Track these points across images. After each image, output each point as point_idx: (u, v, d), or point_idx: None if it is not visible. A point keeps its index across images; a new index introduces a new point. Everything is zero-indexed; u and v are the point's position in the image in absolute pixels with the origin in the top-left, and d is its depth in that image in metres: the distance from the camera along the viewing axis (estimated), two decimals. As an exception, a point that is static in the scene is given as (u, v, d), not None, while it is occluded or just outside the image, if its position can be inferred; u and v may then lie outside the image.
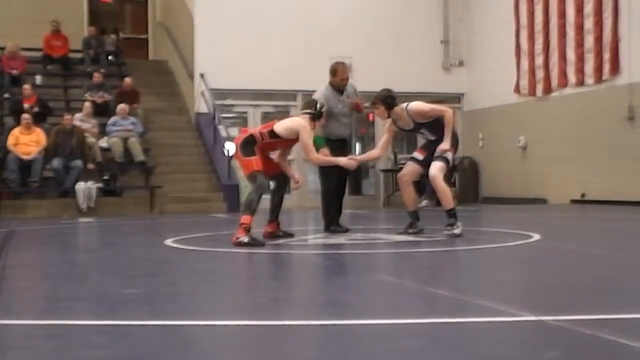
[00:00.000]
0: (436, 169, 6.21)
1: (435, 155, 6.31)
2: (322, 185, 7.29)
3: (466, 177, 14.76)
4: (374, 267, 4.74)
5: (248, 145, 5.96)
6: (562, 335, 2.55)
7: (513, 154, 14.02)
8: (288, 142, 6.18)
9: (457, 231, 6.21)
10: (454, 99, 15.44)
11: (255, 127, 14.55)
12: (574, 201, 12.51)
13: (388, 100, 6.68)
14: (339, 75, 7.37)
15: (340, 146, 7.07)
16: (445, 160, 6.29)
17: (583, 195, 12.36)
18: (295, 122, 6.14)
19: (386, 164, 14.86)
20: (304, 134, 6.03)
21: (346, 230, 6.93)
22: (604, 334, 2.47)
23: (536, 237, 6.03)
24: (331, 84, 7.31)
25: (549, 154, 13.15)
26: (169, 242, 6.15)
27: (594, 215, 9.91)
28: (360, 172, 15.50)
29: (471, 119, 15.21)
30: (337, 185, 7.22)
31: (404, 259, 5.15)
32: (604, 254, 5.10)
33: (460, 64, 15.21)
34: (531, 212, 10.71)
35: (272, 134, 6.02)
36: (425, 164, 6.39)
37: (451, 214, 6.28)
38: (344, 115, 7.22)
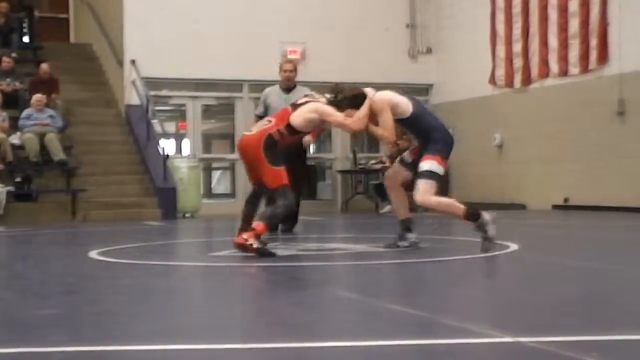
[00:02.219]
0: (419, 193, 5.71)
1: (419, 171, 5.80)
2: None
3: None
4: (329, 282, 4.75)
5: (272, 148, 5.67)
6: (543, 359, 2.58)
7: (487, 153, 14.22)
8: (308, 134, 6.01)
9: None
10: (422, 90, 15.59)
11: (195, 121, 14.58)
12: (555, 207, 12.74)
13: (356, 101, 5.93)
14: (280, 70, 7.96)
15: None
16: (429, 175, 5.72)
17: (566, 200, 12.60)
18: (313, 108, 5.82)
19: (344, 164, 14.92)
20: (330, 117, 5.76)
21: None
22: (592, 358, 2.51)
23: (513, 247, 6.12)
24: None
25: (528, 154, 13.37)
26: (93, 254, 6.06)
27: (578, 222, 10.11)
28: (315, 174, 15.55)
29: (440, 113, 15.26)
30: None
31: (364, 272, 5.17)
32: (589, 267, 5.20)
33: (429, 51, 15.37)
34: (508, 219, 10.86)
35: (291, 129, 5.75)
36: (412, 167, 5.96)
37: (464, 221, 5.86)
38: None
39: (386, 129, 5.77)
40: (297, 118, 5.76)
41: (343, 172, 14.82)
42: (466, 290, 4.34)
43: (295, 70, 8.40)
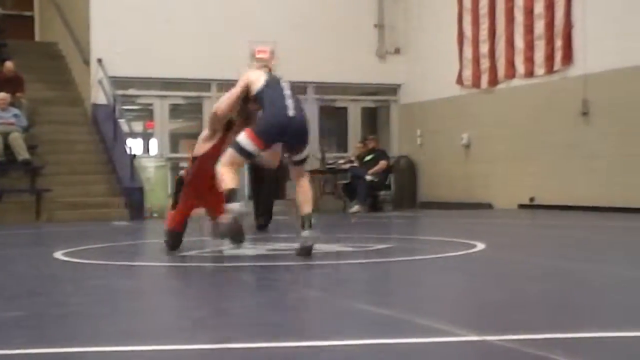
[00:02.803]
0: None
1: None
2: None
3: (402, 178, 14.97)
4: (297, 281, 4.74)
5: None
6: (509, 357, 2.60)
7: (455, 153, 14.32)
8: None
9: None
10: (390, 90, 15.66)
11: (163, 120, 14.48)
12: (522, 206, 12.86)
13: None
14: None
15: None
16: (233, 144, 5.57)
17: (532, 199, 12.73)
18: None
19: (313, 164, 14.91)
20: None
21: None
22: (556, 355, 2.53)
23: (480, 246, 6.17)
24: None
25: (494, 153, 13.48)
26: (58, 254, 6.00)
27: (544, 221, 10.21)
28: (285, 173, 15.51)
29: (408, 114, 15.45)
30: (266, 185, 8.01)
31: (332, 272, 5.17)
32: (554, 265, 5.25)
33: (397, 51, 15.42)
34: (475, 219, 10.95)
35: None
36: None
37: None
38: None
39: (220, 101, 5.93)
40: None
41: (311, 171, 14.78)
42: (433, 289, 4.37)
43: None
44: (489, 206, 13.48)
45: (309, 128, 5.83)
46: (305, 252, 5.57)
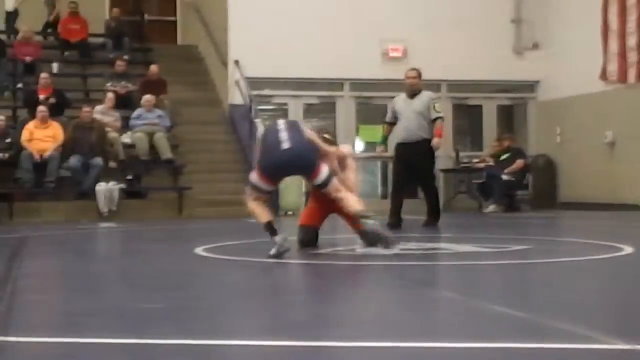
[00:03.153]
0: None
1: None
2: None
3: (541, 178, 14.54)
4: (432, 282, 4.70)
5: None
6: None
7: (598, 151, 13.75)
8: None
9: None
10: (527, 87, 15.24)
11: (297, 119, 14.69)
12: (670, 208, 12.21)
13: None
14: (405, 78, 8.99)
15: (408, 150, 8.64)
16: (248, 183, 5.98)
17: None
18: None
19: (447, 163, 14.74)
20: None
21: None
22: None
23: (628, 250, 5.88)
24: None
25: (641, 153, 12.86)
26: (199, 250, 6.21)
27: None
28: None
29: (548, 111, 14.98)
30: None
31: (468, 273, 5.09)
32: None
33: (535, 47, 14.98)
34: (620, 221, 10.49)
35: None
36: None
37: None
38: (410, 120, 8.69)
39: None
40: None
41: (445, 171, 14.64)
42: (576, 293, 4.20)
43: (418, 77, 8.98)
44: (636, 208, 12.87)
45: (311, 156, 5.79)
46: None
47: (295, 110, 14.66)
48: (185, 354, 2.72)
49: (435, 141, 8.71)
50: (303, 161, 5.80)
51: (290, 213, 12.68)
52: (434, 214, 8.97)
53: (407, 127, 8.74)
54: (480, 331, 3.06)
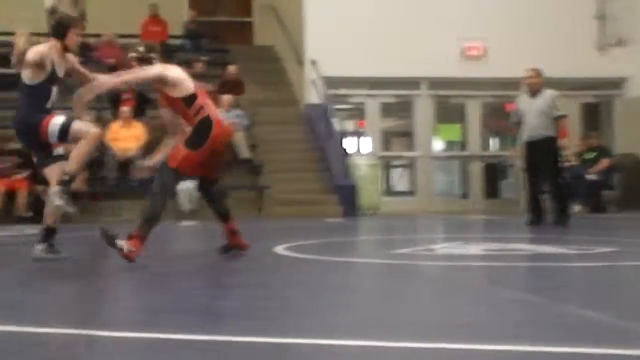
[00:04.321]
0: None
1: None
2: None
3: (629, 178, 14.11)
4: (514, 283, 4.62)
5: None
6: None
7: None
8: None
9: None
10: (612, 84, 14.85)
11: (374, 119, 14.68)
12: None
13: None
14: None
15: (534, 148, 8.82)
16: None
17: None
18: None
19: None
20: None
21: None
22: None
23: None
24: None
25: None
26: (278, 249, 6.26)
27: None
28: (497, 172, 15.23)
29: (634, 108, 14.54)
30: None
31: (549, 275, 4.99)
32: None
33: (619, 43, 14.58)
34: None
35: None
36: None
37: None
38: (534, 118, 8.86)
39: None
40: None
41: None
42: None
43: (537, 76, 9.16)
44: None
45: (24, 122, 5.60)
46: None
47: (372, 109, 14.65)
48: (257, 350, 2.74)
49: (563, 141, 9.01)
50: (19, 130, 5.64)
51: (368, 212, 12.66)
52: (562, 213, 9.00)
53: (531, 126, 8.91)
54: (563, 335, 2.99)
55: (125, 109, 12.26)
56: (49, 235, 5.60)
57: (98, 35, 14.75)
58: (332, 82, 13.74)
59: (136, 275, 5.27)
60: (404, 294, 4.24)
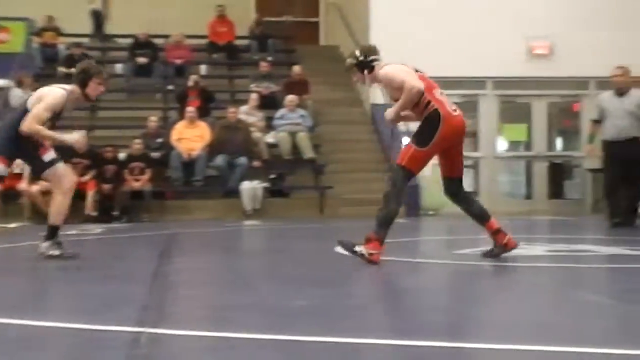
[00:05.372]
0: None
1: None
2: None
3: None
4: (580, 284, 4.55)
5: None
6: None
7: None
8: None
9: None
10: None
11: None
12: None
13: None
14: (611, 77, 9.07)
15: (620, 148, 8.64)
16: None
17: None
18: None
19: (595, 162, 14.17)
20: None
21: None
22: None
23: None
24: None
25: None
26: (340, 249, 6.27)
27: None
28: (563, 172, 14.96)
29: None
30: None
31: (617, 276, 4.89)
32: None
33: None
34: None
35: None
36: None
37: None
38: (621, 118, 8.70)
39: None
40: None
41: (594, 170, 14.08)
42: None
43: (625, 74, 8.98)
44: None
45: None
46: None
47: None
48: (330, 351, 2.76)
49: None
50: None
51: (431, 213, 12.59)
52: (633, 214, 8.94)
53: (618, 125, 8.76)
54: (634, 337, 2.94)
55: (190, 109, 12.45)
56: (54, 233, 5.72)
57: (166, 37, 15.02)
58: (396, 82, 13.66)
59: (202, 274, 5.36)
60: (471, 296, 4.21)
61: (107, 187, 11.48)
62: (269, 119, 13.11)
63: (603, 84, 14.18)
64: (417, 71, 5.52)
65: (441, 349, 2.77)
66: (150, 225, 10.57)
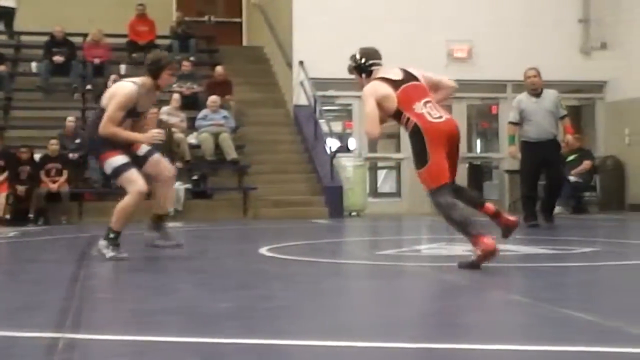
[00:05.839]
0: None
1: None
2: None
3: (609, 179, 14.22)
4: (498, 284, 4.64)
5: None
6: None
7: (669, 152, 13.40)
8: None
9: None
10: (595, 87, 14.94)
11: (361, 121, 14.69)
12: None
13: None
14: (525, 77, 9.09)
15: (541, 148, 8.68)
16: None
17: None
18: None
19: (512, 163, 14.54)
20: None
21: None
22: None
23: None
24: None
25: None
26: (264, 250, 6.26)
27: None
28: (482, 173, 15.28)
29: (616, 112, 14.64)
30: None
31: (536, 275, 5.02)
32: None
33: (603, 46, 14.67)
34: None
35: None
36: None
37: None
38: (542, 118, 8.76)
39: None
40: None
41: (511, 171, 14.44)
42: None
43: (538, 75, 9.03)
44: None
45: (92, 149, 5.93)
46: None
47: (360, 111, 14.66)
48: (250, 353, 2.75)
49: (571, 138, 9.06)
50: (88, 142, 5.93)
51: (354, 214, 12.68)
52: (551, 212, 9.07)
53: (540, 126, 8.81)
54: (547, 334, 3.02)
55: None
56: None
57: (85, 35, 14.71)
58: (320, 83, 13.74)
59: (122, 277, 5.26)
60: (389, 296, 4.25)
61: (21, 188, 11.16)
62: (191, 120, 12.98)
63: (519, 86, 14.59)
64: (406, 78, 5.47)
65: (360, 349, 2.78)
66: (68, 228, 10.33)
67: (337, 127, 16.19)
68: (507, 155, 14.61)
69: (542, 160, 8.84)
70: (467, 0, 14.33)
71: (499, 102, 14.93)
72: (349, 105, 14.85)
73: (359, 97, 14.53)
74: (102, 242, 5.72)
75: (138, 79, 5.67)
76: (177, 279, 5.07)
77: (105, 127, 5.49)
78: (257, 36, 16.96)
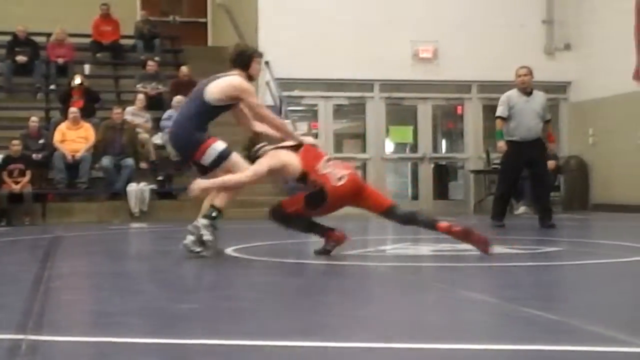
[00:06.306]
0: None
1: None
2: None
3: (573, 179, 14.43)
4: (460, 283, 4.70)
5: None
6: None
7: (631, 152, 13.61)
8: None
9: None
10: (559, 88, 15.13)
11: (327, 121, 14.74)
12: None
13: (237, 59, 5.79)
14: (516, 76, 9.02)
15: (527, 148, 8.66)
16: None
17: None
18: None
19: (477, 164, 14.70)
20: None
21: None
22: None
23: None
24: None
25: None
26: (229, 251, 6.26)
27: None
28: (447, 173, 15.41)
29: (579, 112, 14.86)
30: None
31: (497, 274, 5.08)
32: None
33: (567, 47, 14.89)
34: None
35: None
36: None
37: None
38: (531, 118, 8.73)
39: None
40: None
41: (476, 172, 14.59)
42: (606, 295, 4.19)
43: (530, 74, 8.97)
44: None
45: (184, 136, 5.83)
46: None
47: (325, 111, 14.70)
48: (215, 354, 2.76)
49: (552, 147, 9.37)
50: (175, 145, 5.80)
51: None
52: (549, 213, 8.97)
53: (528, 125, 8.76)
54: (511, 333, 3.07)
55: (73, 109, 12.12)
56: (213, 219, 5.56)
57: (48, 34, 14.55)
58: (286, 84, 13.76)
59: (86, 278, 5.22)
60: (353, 296, 4.27)
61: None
62: (156, 120, 12.91)
63: (484, 87, 14.75)
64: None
65: (323, 349, 2.80)
66: (31, 229, 10.22)
67: (302, 127, 16.21)
68: (472, 155, 14.88)
69: (526, 161, 8.81)
70: (433, 1, 14.44)
71: (464, 103, 15.06)
72: (315, 105, 14.88)
73: (324, 97, 14.69)
74: (203, 221, 5.49)
75: (232, 73, 5.57)
76: (141, 280, 5.05)
77: (261, 109, 5.60)
78: (222, 36, 16.92)
